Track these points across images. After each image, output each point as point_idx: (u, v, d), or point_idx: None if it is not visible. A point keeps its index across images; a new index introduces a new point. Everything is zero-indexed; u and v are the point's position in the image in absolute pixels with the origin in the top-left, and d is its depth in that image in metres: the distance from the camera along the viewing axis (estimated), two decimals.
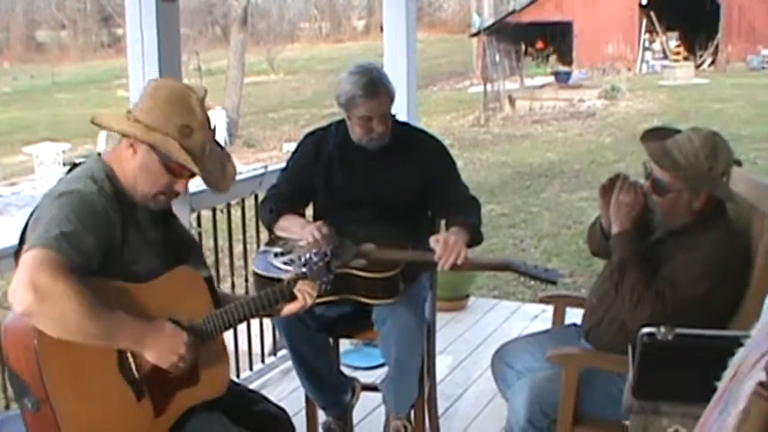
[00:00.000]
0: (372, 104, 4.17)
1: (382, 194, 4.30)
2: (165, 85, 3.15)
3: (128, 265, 2.94)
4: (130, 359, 2.86)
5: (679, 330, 3.00)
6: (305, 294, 3.34)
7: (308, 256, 3.45)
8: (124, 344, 2.81)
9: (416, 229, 4.31)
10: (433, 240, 3.98)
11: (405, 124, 4.66)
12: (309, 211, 4.60)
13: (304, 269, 3.39)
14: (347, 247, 3.66)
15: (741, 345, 2.29)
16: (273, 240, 4.33)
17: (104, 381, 2.81)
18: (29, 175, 21.26)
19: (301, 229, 4.16)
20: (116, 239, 2.90)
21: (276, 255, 4.11)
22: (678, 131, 3.64)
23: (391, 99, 4.27)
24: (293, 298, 3.35)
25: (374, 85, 4.17)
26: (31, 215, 2.91)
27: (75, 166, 3.08)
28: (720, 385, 2.27)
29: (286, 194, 4.43)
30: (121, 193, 3.00)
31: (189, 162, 2.99)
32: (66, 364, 2.73)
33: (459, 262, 3.92)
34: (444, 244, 3.93)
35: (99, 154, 3.10)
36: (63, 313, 2.63)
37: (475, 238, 4.16)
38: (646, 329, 3.03)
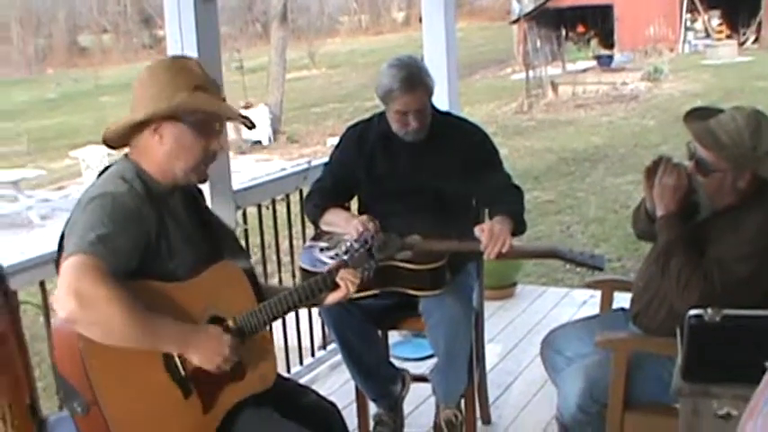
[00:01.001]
0: (408, 99, 4.18)
1: (425, 184, 4.30)
2: (157, 64, 3.11)
3: (166, 262, 2.95)
4: (176, 358, 2.87)
5: (726, 311, 2.99)
6: (347, 282, 3.33)
7: (348, 243, 3.46)
8: (168, 348, 2.83)
9: (461, 218, 4.31)
10: (478, 230, 3.98)
11: (446, 114, 4.66)
12: (355, 204, 4.62)
13: (345, 257, 3.40)
14: (392, 239, 3.66)
15: None
16: (319, 235, 4.34)
17: (151, 380, 2.83)
18: (76, 178, 21.36)
19: (346, 223, 4.18)
20: (152, 237, 2.91)
21: (322, 249, 4.13)
22: (721, 111, 3.61)
23: (429, 94, 4.27)
24: (336, 287, 3.35)
25: (411, 79, 4.18)
26: (68, 222, 2.92)
27: (106, 169, 3.09)
28: None
29: (330, 188, 4.45)
30: (153, 188, 3.00)
31: (223, 106, 3.03)
32: (112, 366, 2.74)
33: (504, 251, 3.92)
34: (490, 233, 3.93)
35: (125, 154, 3.10)
36: (107, 319, 2.65)
37: (519, 227, 4.15)
38: (693, 311, 3.02)
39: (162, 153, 3.01)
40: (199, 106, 2.99)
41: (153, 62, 3.16)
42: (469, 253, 4.15)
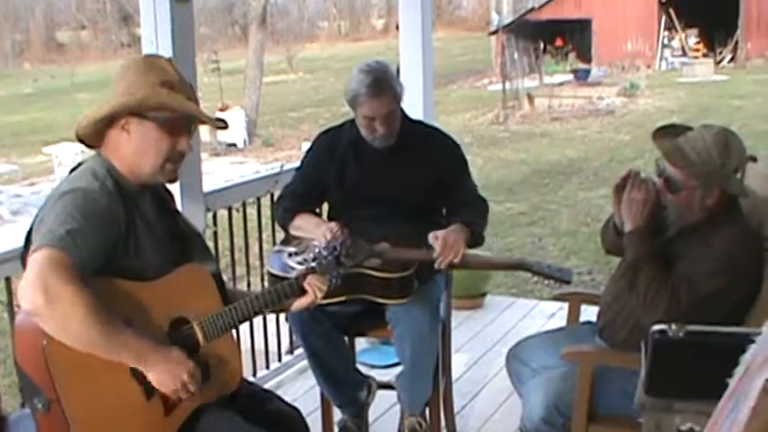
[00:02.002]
0: (374, 104, 4.18)
1: (395, 192, 4.30)
2: (130, 61, 3.13)
3: (133, 261, 2.94)
4: None
5: (690, 327, 3.00)
6: (314, 288, 3.32)
7: (317, 250, 3.45)
8: (126, 361, 2.79)
9: (431, 227, 4.29)
10: (431, 237, 4.00)
11: (418, 122, 4.66)
12: (325, 210, 4.62)
13: (313, 263, 3.39)
14: (361, 246, 3.65)
15: (752, 341, 2.29)
16: (288, 239, 4.34)
17: (114, 380, 2.81)
18: (48, 175, 21.28)
19: (316, 229, 4.17)
20: (121, 235, 2.90)
21: (290, 254, 4.11)
22: (690, 129, 3.63)
23: (397, 100, 4.26)
24: (303, 292, 3.34)
25: (378, 84, 4.17)
26: (37, 216, 2.91)
27: (78, 166, 3.08)
28: (731, 382, 2.27)
29: (301, 193, 4.45)
30: (124, 186, 3.00)
31: (185, 104, 3.01)
32: (75, 365, 2.73)
33: (456, 261, 3.97)
34: (443, 242, 3.96)
35: (98, 152, 3.08)
36: (69, 318, 2.64)
37: (476, 239, 4.18)
38: (657, 326, 3.03)
39: (129, 150, 3.00)
40: (162, 102, 2.98)
41: (127, 60, 3.16)
42: (427, 261, 4.13)
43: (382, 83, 4.18)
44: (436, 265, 3.98)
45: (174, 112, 3.00)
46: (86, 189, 2.89)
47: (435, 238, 3.98)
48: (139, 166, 3.02)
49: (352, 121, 4.39)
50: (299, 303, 3.36)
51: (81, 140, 3.08)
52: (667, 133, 3.64)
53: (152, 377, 2.84)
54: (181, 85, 3.05)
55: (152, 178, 3.06)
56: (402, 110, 4.38)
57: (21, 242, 2.98)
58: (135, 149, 3.00)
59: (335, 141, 4.45)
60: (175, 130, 3.02)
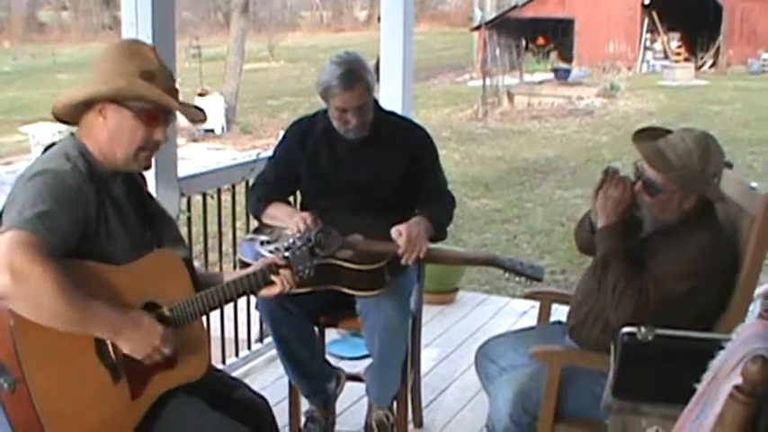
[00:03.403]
0: (346, 96, 4.15)
1: (367, 183, 4.30)
2: (113, 45, 3.13)
3: (104, 244, 2.93)
4: (108, 342, 2.85)
5: (659, 331, 3.00)
6: (284, 281, 3.31)
7: (291, 240, 3.43)
8: (100, 333, 2.80)
9: (403, 219, 4.27)
10: (394, 232, 3.99)
11: (391, 113, 4.66)
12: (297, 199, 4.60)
13: (287, 253, 3.37)
14: (334, 237, 3.64)
15: (722, 348, 2.29)
16: (260, 228, 4.32)
17: (81, 362, 2.81)
18: (25, 154, 21.18)
19: (289, 218, 4.15)
20: (91, 218, 2.89)
21: (262, 243, 4.09)
22: (670, 132, 3.62)
23: (369, 91, 4.24)
24: (273, 281, 3.32)
25: (349, 76, 4.15)
26: (8, 197, 2.89)
27: (51, 146, 3.07)
28: (699, 387, 2.27)
29: (273, 182, 4.43)
30: (96, 169, 2.98)
31: (162, 96, 2.99)
32: (42, 345, 2.72)
33: (421, 256, 3.98)
34: (407, 238, 3.97)
35: (72, 133, 3.08)
36: (39, 297, 2.62)
37: (439, 233, 4.20)
38: (626, 329, 3.03)
39: (104, 135, 2.99)
40: (139, 94, 2.97)
41: (111, 43, 3.14)
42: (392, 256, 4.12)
43: (354, 74, 4.16)
44: (402, 262, 3.97)
45: (153, 103, 2.99)
46: (57, 171, 2.87)
47: (398, 233, 3.98)
48: (113, 151, 3.01)
49: (325, 111, 4.36)
50: (267, 292, 3.34)
51: (57, 118, 3.07)
52: (648, 136, 3.63)
53: (124, 345, 2.84)
54: (161, 75, 3.03)
55: (125, 165, 3.05)
56: (375, 101, 4.38)
57: None
58: (109, 135, 2.99)
59: (308, 131, 4.44)
60: (152, 120, 3.01)
